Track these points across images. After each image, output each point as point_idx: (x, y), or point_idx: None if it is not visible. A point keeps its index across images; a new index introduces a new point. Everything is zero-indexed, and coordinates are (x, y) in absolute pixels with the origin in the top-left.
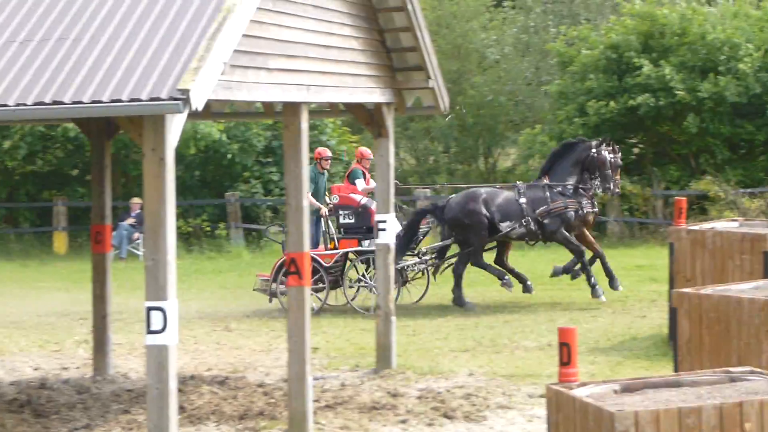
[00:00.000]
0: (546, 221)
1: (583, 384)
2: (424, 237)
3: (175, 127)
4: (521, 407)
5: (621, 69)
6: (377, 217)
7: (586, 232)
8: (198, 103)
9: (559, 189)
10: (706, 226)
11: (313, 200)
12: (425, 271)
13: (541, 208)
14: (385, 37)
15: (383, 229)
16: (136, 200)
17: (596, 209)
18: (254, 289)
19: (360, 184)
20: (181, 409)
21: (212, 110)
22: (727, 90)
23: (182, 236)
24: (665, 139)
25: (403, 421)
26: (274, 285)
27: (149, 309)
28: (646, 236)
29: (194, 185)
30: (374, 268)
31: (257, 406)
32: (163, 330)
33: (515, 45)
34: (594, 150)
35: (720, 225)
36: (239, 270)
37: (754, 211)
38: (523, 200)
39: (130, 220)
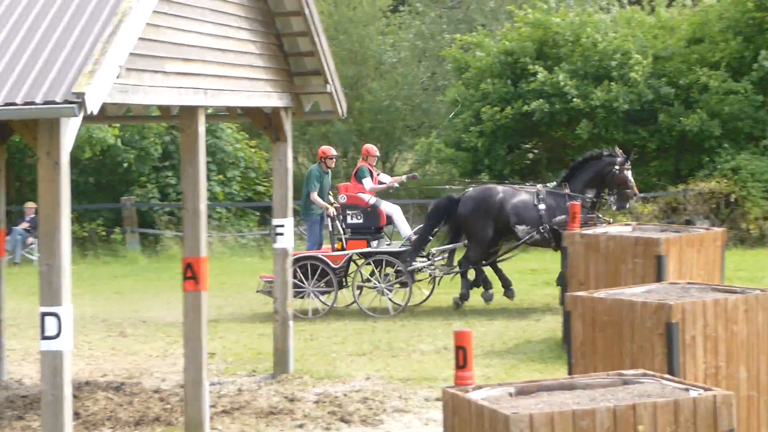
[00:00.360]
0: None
1: (479, 387)
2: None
3: (70, 130)
4: (417, 411)
5: (516, 75)
6: (275, 221)
7: None
8: (93, 107)
9: (579, 200)
10: (599, 230)
11: (319, 200)
12: (433, 273)
13: (560, 218)
14: (283, 42)
15: (281, 234)
16: (30, 204)
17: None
18: (258, 291)
19: (367, 183)
20: (76, 415)
21: (108, 114)
22: (619, 97)
23: (77, 241)
24: (559, 145)
25: (300, 426)
26: None
27: (43, 314)
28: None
29: (89, 189)
30: (381, 270)
31: (153, 411)
32: (57, 336)
33: (411, 50)
34: (617, 167)
35: (613, 229)
36: (135, 275)
37: (646, 215)
38: (542, 207)
39: (24, 225)
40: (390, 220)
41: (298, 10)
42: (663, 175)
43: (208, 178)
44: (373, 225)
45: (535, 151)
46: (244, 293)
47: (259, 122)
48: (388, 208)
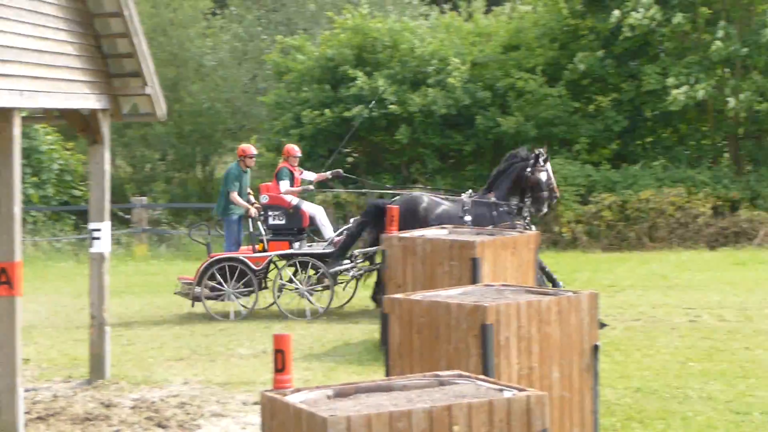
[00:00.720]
0: None
1: (298, 390)
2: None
3: None
4: (236, 415)
5: (336, 80)
6: (91, 225)
7: None
8: None
9: (505, 208)
10: (416, 233)
11: (240, 200)
12: (356, 275)
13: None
14: (102, 43)
15: (97, 238)
16: None
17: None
18: (176, 293)
19: (283, 185)
20: None
21: None
22: (436, 102)
23: None
24: (378, 149)
25: None
26: (197, 289)
27: None
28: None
29: None
30: (304, 272)
31: None
32: None
33: (231, 53)
34: (529, 169)
35: (430, 232)
36: None
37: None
38: (468, 218)
39: None
40: (313, 221)
41: (117, 12)
42: (479, 179)
43: (23, 181)
44: (295, 226)
45: (355, 155)
46: (60, 298)
47: (77, 124)
48: (311, 209)
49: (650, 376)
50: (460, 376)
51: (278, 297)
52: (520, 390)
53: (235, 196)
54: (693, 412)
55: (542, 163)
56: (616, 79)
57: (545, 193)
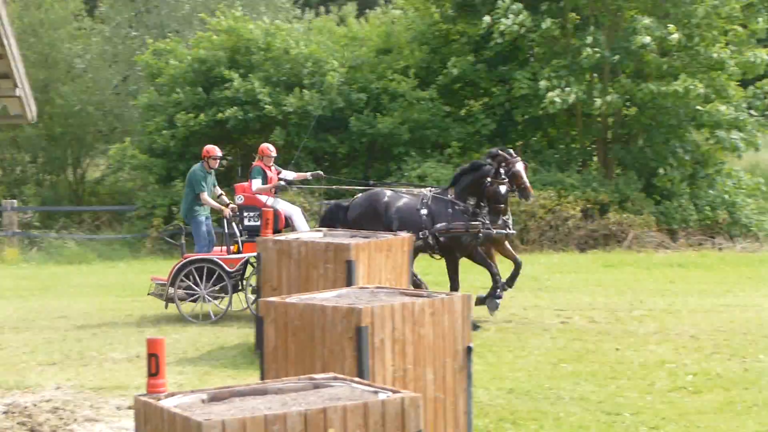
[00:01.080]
0: (442, 239)
1: (172, 394)
2: None
3: None
4: (109, 419)
5: (209, 82)
6: None
7: (506, 246)
8: None
9: (461, 208)
10: (291, 236)
11: (211, 201)
12: None
13: (440, 225)
14: None
15: None
16: None
17: (511, 230)
18: (149, 294)
19: (256, 183)
20: None
21: None
22: (312, 104)
23: None
24: (253, 151)
25: None
26: (171, 290)
27: None
28: None
29: None
30: None
31: None
32: None
33: (102, 55)
34: (489, 180)
35: (305, 235)
36: None
37: None
38: (424, 212)
39: None
40: (289, 222)
41: None
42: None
43: None
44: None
45: (229, 157)
46: None
47: None
48: (288, 208)
49: (522, 377)
50: (335, 378)
51: (253, 301)
52: (395, 392)
53: (205, 196)
54: (565, 412)
55: (503, 176)
56: (487, 84)
57: (502, 206)
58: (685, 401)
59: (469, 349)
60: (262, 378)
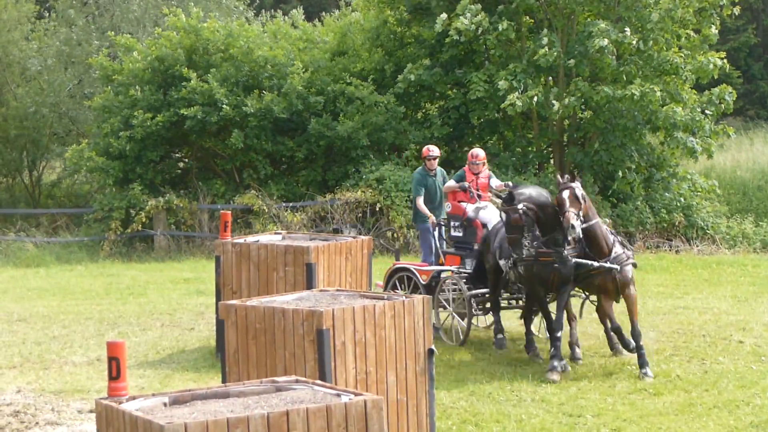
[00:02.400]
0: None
1: (133, 398)
2: None
3: None
4: (71, 423)
5: (167, 82)
6: None
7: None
8: None
9: None
10: (251, 239)
11: (423, 207)
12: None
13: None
14: None
15: None
16: None
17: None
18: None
19: (448, 183)
20: None
21: None
22: (274, 105)
23: None
24: (210, 154)
25: None
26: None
27: None
28: (192, 249)
29: None
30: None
31: None
32: None
33: (58, 56)
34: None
35: (264, 238)
36: None
37: (296, 224)
38: None
39: None
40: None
41: None
42: (311, 184)
43: None
44: (470, 241)
45: (186, 160)
46: None
47: None
48: (487, 216)
49: (484, 379)
50: (297, 381)
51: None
52: (357, 394)
53: (419, 202)
54: (527, 414)
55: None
56: (443, 87)
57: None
58: (645, 403)
59: (431, 352)
60: (224, 381)
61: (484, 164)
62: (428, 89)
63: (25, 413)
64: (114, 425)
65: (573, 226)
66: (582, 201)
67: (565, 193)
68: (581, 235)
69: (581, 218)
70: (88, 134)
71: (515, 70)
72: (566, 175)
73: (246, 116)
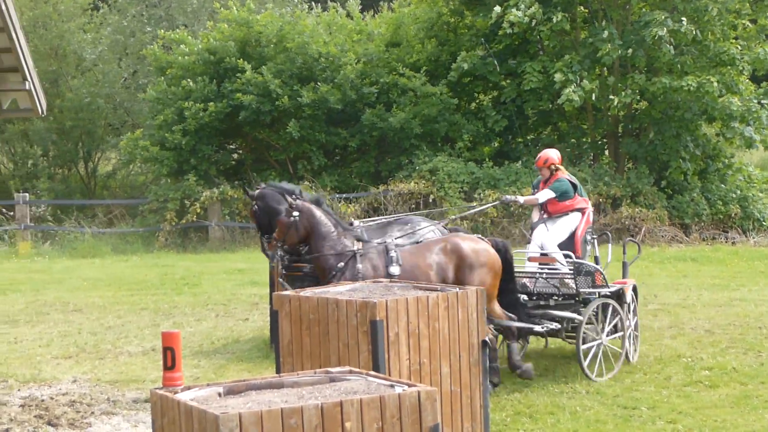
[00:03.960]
0: None
1: (188, 387)
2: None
3: None
4: (126, 413)
5: (219, 74)
6: None
7: None
8: None
9: None
10: None
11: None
12: None
13: None
14: None
15: None
16: None
17: None
18: None
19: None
20: None
21: None
22: (329, 95)
23: None
24: (264, 145)
25: (6, 430)
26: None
27: None
28: (247, 240)
29: None
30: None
31: None
32: None
33: (112, 48)
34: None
35: None
36: None
37: (349, 215)
38: None
39: None
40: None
41: None
42: (364, 175)
43: None
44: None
45: (240, 151)
46: None
47: None
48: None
49: (539, 371)
50: (351, 372)
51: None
52: (411, 385)
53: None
54: (581, 406)
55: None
56: (496, 78)
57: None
58: (701, 395)
59: (484, 343)
60: (278, 371)
61: (549, 169)
62: (481, 80)
63: (81, 403)
64: (169, 415)
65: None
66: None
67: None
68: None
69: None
70: (142, 125)
71: (570, 61)
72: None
73: (300, 107)
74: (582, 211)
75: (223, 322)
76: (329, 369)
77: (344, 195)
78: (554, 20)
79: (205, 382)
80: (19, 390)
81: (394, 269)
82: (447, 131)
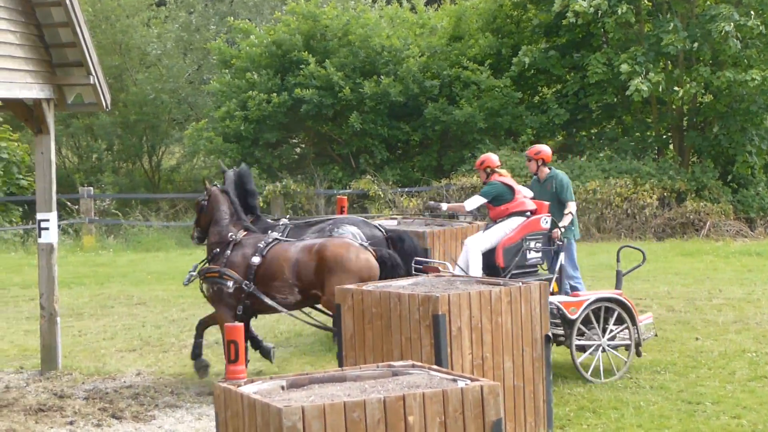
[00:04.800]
0: None
1: (251, 380)
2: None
3: None
4: (190, 406)
5: (284, 67)
6: (39, 216)
7: None
8: None
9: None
10: None
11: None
12: None
13: None
14: (44, 32)
15: (46, 228)
16: None
17: None
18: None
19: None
20: None
21: None
22: (391, 88)
23: None
24: (326, 139)
25: (71, 423)
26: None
27: None
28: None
29: None
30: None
31: None
32: None
33: (177, 42)
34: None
35: (380, 223)
36: None
37: (411, 209)
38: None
39: None
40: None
41: (58, 1)
42: (426, 169)
43: None
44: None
45: (302, 145)
46: (9, 289)
47: (20, 114)
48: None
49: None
50: (414, 366)
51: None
52: (473, 380)
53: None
54: (645, 401)
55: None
56: (559, 71)
57: None
58: (765, 390)
59: (547, 338)
60: (341, 365)
61: (485, 172)
62: (545, 73)
63: (145, 396)
64: (232, 408)
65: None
66: None
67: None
68: None
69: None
70: (206, 117)
71: (636, 53)
72: None
73: (362, 100)
74: (526, 213)
75: (286, 316)
76: (392, 363)
77: (406, 189)
78: (619, 12)
79: (268, 376)
80: (83, 383)
81: (255, 259)
82: (510, 125)
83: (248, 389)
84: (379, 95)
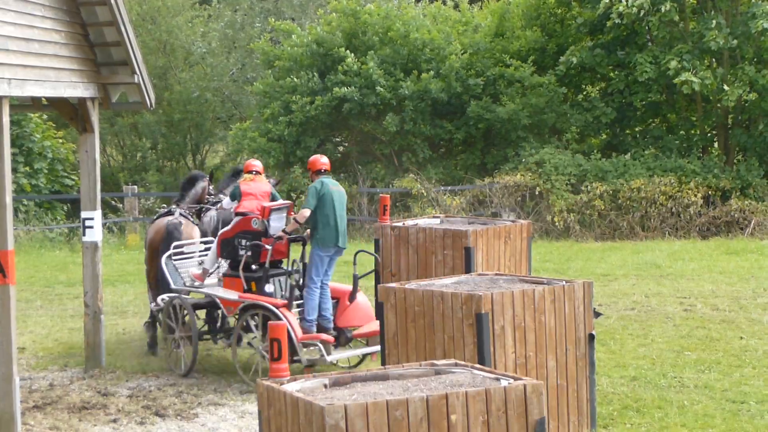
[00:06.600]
0: None
1: (294, 379)
2: None
3: None
4: (233, 403)
5: (326, 66)
6: (84, 214)
7: None
8: None
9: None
10: (409, 222)
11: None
12: None
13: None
14: (89, 31)
15: (90, 227)
16: None
17: None
18: None
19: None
20: None
21: None
22: (431, 86)
23: None
24: (369, 138)
25: (114, 420)
26: None
27: None
28: (352, 232)
29: None
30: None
31: None
32: None
33: (221, 41)
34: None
35: (423, 221)
36: None
37: (454, 208)
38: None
39: None
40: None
41: (103, 0)
42: (470, 168)
43: (15, 170)
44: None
45: (345, 144)
46: (54, 287)
47: (66, 113)
48: None
49: (646, 365)
50: (456, 364)
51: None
52: (516, 379)
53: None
54: (689, 401)
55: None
56: (604, 69)
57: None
58: None
59: (591, 337)
60: (383, 363)
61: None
62: (590, 71)
63: (188, 393)
64: (275, 406)
65: None
66: None
67: None
68: None
69: None
70: (250, 118)
71: (681, 51)
72: None
73: (403, 99)
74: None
75: None
76: (434, 361)
77: (449, 187)
78: (663, 10)
79: (311, 374)
80: (127, 381)
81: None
82: (555, 122)
83: (291, 387)
84: (421, 93)
